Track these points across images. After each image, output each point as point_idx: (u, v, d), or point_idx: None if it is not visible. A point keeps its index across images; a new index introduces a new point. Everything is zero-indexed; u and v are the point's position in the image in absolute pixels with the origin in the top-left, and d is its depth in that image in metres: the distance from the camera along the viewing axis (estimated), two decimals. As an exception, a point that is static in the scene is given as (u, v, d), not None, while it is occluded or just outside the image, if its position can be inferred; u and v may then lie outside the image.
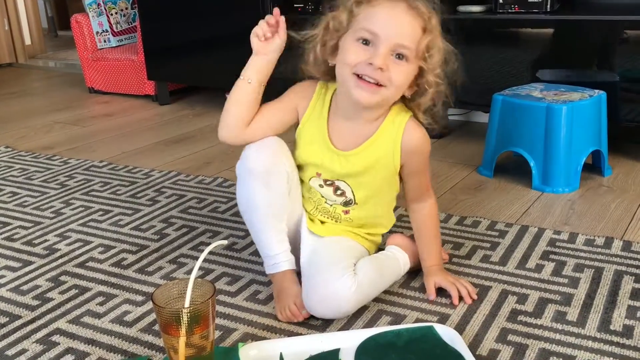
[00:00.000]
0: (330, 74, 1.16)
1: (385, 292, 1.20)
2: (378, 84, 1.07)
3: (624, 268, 1.28)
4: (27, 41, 4.41)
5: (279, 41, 1.12)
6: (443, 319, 1.13)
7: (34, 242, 1.50)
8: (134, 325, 1.14)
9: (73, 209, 1.69)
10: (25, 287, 1.29)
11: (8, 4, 4.21)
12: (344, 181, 1.19)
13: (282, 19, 1.12)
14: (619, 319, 1.11)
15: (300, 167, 1.22)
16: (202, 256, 0.92)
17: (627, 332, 1.07)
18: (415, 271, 1.27)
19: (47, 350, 1.07)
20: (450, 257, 1.34)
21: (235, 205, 1.66)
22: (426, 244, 1.23)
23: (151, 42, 2.85)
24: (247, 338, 1.09)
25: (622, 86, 1.88)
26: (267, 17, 1.11)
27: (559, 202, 1.66)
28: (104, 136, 2.48)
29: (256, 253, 1.39)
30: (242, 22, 2.52)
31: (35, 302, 1.23)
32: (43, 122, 2.72)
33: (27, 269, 1.36)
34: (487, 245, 1.40)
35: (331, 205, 1.22)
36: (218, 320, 1.14)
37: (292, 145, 1.22)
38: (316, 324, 1.12)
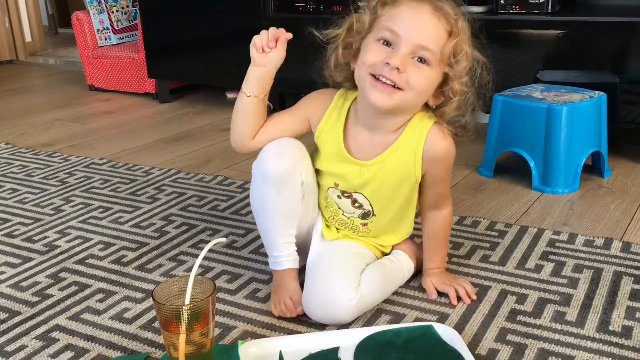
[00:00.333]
0: (352, 80, 1.11)
1: (385, 291, 1.20)
2: (395, 87, 1.02)
3: (623, 269, 1.28)
4: (28, 38, 4.41)
5: (277, 55, 1.09)
6: (442, 318, 1.13)
7: (33, 238, 1.50)
8: (133, 322, 1.14)
9: (73, 206, 1.69)
10: (25, 284, 1.29)
11: (9, 1, 4.21)
12: (361, 193, 1.15)
13: (285, 35, 1.09)
14: (617, 320, 1.11)
15: (318, 172, 1.18)
16: (202, 254, 0.92)
17: (626, 332, 1.07)
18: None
19: (46, 346, 1.07)
20: (450, 257, 1.34)
21: (235, 203, 1.68)
22: (433, 248, 1.22)
23: (152, 40, 2.85)
24: (247, 336, 1.09)
25: (622, 88, 1.88)
26: (271, 29, 1.07)
27: (559, 202, 1.66)
28: (104, 134, 2.48)
29: (256, 251, 1.40)
30: (242, 20, 2.55)
31: (35, 299, 1.23)
32: (43, 119, 2.72)
33: (27, 266, 1.36)
34: (487, 245, 1.41)
35: (348, 218, 1.19)
36: (218, 318, 1.14)
37: (313, 147, 1.19)
38: (315, 322, 1.12)
